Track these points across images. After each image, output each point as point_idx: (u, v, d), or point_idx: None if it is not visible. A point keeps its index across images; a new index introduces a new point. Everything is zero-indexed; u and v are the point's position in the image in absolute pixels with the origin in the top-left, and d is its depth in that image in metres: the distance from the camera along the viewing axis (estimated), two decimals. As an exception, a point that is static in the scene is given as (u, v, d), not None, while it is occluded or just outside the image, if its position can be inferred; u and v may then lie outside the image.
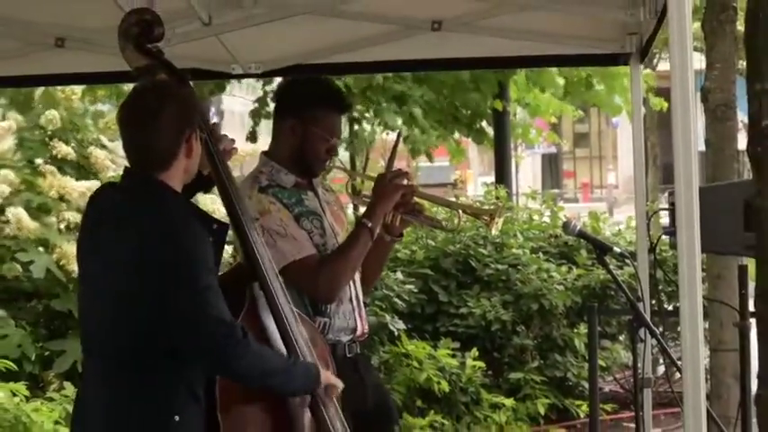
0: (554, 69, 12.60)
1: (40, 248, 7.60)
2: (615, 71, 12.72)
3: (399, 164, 5.48)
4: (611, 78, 12.94)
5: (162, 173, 3.76)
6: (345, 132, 12.90)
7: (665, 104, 13.80)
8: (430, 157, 13.39)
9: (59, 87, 8.39)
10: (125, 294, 3.68)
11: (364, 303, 4.80)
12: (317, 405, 4.01)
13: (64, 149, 8.18)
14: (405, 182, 4.67)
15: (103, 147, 8.55)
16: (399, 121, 12.57)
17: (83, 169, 8.31)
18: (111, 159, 8.44)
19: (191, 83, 4.18)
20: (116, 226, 3.76)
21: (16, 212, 7.53)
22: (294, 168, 4.61)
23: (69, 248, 7.45)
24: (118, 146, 8.90)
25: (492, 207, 4.93)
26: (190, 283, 3.63)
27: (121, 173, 3.91)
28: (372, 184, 4.72)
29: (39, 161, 8.16)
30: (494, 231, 4.90)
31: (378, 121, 12.43)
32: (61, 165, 8.17)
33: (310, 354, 4.02)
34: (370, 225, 4.54)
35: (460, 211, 4.89)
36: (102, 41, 4.90)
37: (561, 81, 12.86)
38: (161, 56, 4.09)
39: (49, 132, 8.25)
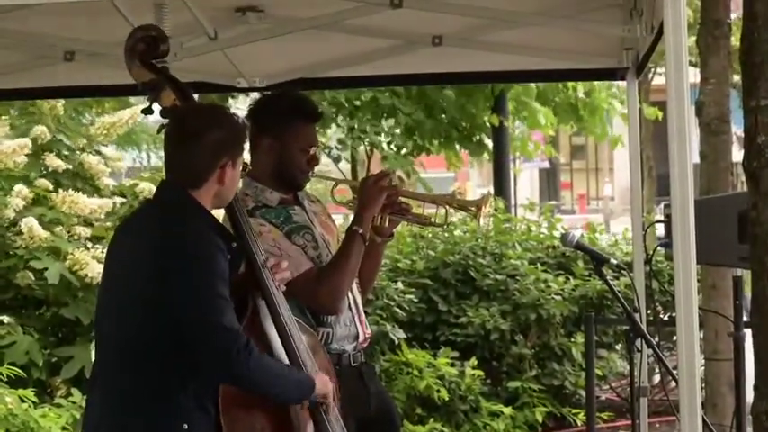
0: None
1: (52, 256, 7.57)
2: (597, 100, 12.94)
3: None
4: (597, 106, 13.13)
5: (193, 190, 3.86)
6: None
7: (660, 113, 13.90)
8: (409, 175, 13.50)
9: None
10: (144, 299, 3.75)
11: (364, 311, 4.83)
12: (318, 411, 4.06)
13: (56, 162, 8.15)
14: (388, 183, 4.68)
15: (97, 152, 8.52)
16: (383, 140, 12.72)
17: (78, 177, 8.29)
18: (105, 163, 8.42)
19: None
20: (142, 233, 3.86)
21: (28, 222, 7.52)
22: (278, 186, 4.63)
23: (81, 255, 7.48)
24: (109, 151, 8.96)
25: (478, 198, 4.81)
26: (202, 290, 3.71)
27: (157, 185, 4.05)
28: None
29: (33, 175, 8.11)
30: (482, 222, 4.86)
31: (365, 138, 12.58)
32: (57, 177, 8.14)
33: (311, 361, 4.08)
34: (360, 231, 4.56)
35: (447, 206, 4.82)
36: (112, 55, 4.90)
37: (538, 105, 13.04)
38: (166, 71, 4.16)
39: (40, 146, 8.18)
